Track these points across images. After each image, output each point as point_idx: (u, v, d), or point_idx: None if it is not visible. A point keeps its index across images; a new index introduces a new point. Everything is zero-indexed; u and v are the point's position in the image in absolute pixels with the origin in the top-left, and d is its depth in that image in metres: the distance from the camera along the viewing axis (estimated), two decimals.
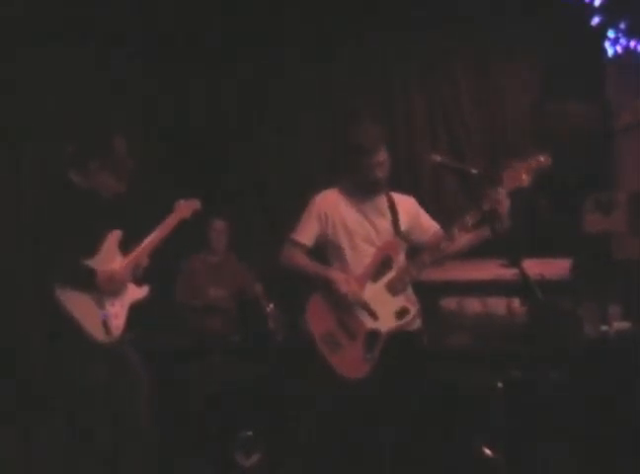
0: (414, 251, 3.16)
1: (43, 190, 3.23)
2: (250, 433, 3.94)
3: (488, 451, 3.47)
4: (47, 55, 4.69)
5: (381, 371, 2.97)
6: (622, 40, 4.60)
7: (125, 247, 3.20)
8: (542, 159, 2.92)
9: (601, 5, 4.57)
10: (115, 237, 3.15)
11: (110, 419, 3.03)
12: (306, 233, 3.15)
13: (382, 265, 3.07)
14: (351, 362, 2.99)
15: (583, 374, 3.64)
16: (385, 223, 3.15)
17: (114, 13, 4.87)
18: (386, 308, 3.02)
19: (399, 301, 3.04)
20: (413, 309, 3.04)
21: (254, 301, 4.61)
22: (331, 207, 3.15)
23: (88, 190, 3.08)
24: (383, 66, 5.49)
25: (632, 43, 4.59)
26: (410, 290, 3.13)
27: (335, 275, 3.04)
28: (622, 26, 4.59)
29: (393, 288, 3.04)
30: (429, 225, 3.22)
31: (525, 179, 2.90)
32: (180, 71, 5.37)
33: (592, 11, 4.60)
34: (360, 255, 3.10)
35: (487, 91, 5.32)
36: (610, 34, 4.61)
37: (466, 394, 3.64)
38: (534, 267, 3.78)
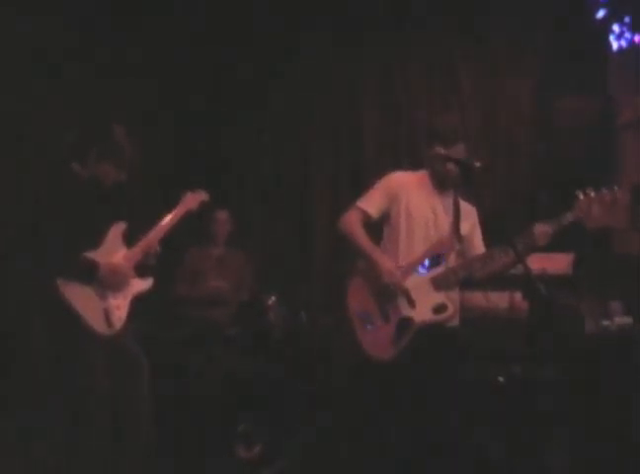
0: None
1: (44, 181, 3.18)
2: (250, 425, 3.94)
3: (488, 445, 3.47)
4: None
5: (411, 361, 3.01)
6: (627, 35, 4.58)
7: (130, 239, 3.17)
8: (620, 195, 2.88)
9: None
10: (118, 229, 3.13)
11: (110, 411, 3.01)
12: (373, 203, 3.17)
13: (433, 259, 3.09)
14: (379, 343, 3.04)
15: (584, 369, 3.63)
16: (446, 222, 3.16)
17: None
18: (426, 300, 3.04)
19: (440, 297, 3.05)
20: (451, 307, 3.04)
21: (254, 295, 4.61)
22: (402, 188, 3.17)
23: (89, 180, 3.05)
24: (384, 64, 5.46)
25: (637, 38, 4.58)
26: (455, 292, 3.15)
27: (383, 263, 3.05)
28: (627, 20, 4.57)
29: (437, 283, 3.06)
30: (478, 245, 3.24)
31: (596, 211, 2.88)
32: (180, 70, 5.35)
33: (596, 5, 4.59)
34: (414, 242, 3.12)
35: (489, 85, 5.29)
36: (615, 28, 4.60)
37: (467, 388, 3.63)
38: (536, 261, 3.77)
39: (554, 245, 4.30)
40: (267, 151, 5.62)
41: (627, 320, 3.85)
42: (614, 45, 4.64)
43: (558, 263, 4.05)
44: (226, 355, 4.26)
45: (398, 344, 3.00)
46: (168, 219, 3.29)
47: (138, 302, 3.18)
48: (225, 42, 5.39)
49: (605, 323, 3.86)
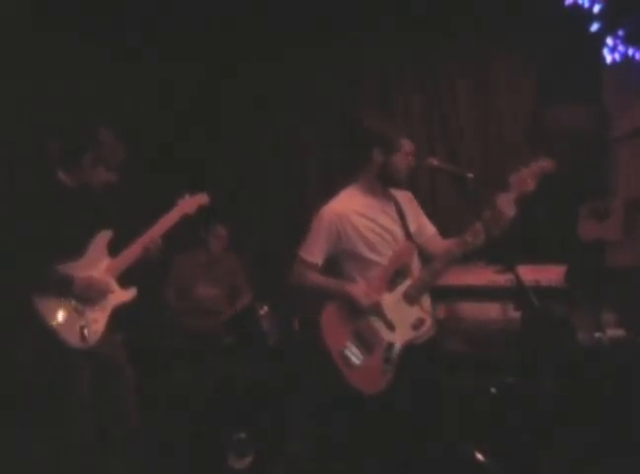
0: (424, 257, 3.08)
1: (24, 192, 3.06)
2: (243, 435, 3.92)
3: (480, 457, 3.46)
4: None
5: (397, 380, 2.89)
6: (620, 48, 4.60)
7: (118, 246, 3.12)
8: (545, 164, 2.91)
9: (600, 12, 4.57)
10: (104, 238, 3.07)
11: (95, 421, 2.98)
12: (315, 251, 2.99)
13: (397, 273, 2.97)
14: (368, 377, 2.89)
15: (576, 381, 3.63)
16: (397, 226, 3.04)
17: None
18: (403, 319, 2.93)
19: (415, 311, 2.95)
20: (428, 319, 2.95)
21: (246, 303, 4.60)
22: (341, 221, 2.99)
23: (76, 188, 3.00)
24: (381, 68, 5.48)
25: (630, 51, 4.60)
26: (426, 298, 3.04)
27: (354, 289, 2.93)
28: (621, 33, 4.59)
29: (409, 297, 2.95)
30: (426, 224, 3.18)
31: (531, 184, 2.89)
32: (179, 70, 5.35)
33: (590, 18, 4.61)
34: (383, 263, 2.98)
35: (484, 95, 5.32)
36: (609, 41, 4.62)
37: (460, 399, 3.63)
38: (529, 273, 3.80)
39: (547, 256, 4.36)
40: (264, 154, 5.61)
41: (620, 332, 3.86)
42: (608, 58, 4.66)
43: (551, 274, 4.06)
44: (219, 365, 4.25)
45: (387, 373, 2.88)
46: (156, 227, 3.17)
47: (128, 312, 3.15)
48: (223, 41, 5.40)
49: (598, 335, 3.86)
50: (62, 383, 2.93)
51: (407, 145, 3.00)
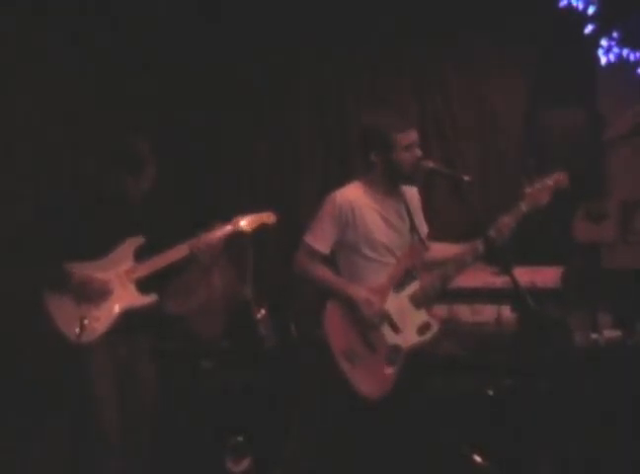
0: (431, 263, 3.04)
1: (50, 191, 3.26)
2: (240, 438, 3.92)
3: (478, 460, 3.47)
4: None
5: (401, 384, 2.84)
6: (615, 49, 4.62)
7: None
8: (560, 177, 2.99)
9: (595, 14, 4.59)
10: (134, 243, 3.08)
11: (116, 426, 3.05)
12: (323, 238, 2.87)
13: (406, 274, 2.92)
14: (371, 379, 2.80)
15: (573, 383, 3.64)
16: (404, 226, 2.98)
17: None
18: (409, 322, 2.87)
19: (422, 315, 2.88)
20: (436, 325, 2.89)
21: (244, 306, 4.58)
22: (352, 209, 2.86)
23: (110, 194, 3.08)
24: (380, 67, 5.48)
25: (625, 52, 4.61)
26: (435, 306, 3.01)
27: (358, 294, 2.81)
28: (615, 35, 4.61)
29: (417, 301, 2.89)
30: (423, 224, 3.13)
31: (546, 198, 2.95)
32: (175, 72, 5.34)
33: (585, 20, 4.62)
34: (382, 265, 2.91)
35: (479, 98, 5.32)
36: (604, 42, 4.63)
37: (457, 402, 3.63)
38: (525, 275, 3.80)
39: (543, 258, 4.36)
40: (262, 155, 5.60)
41: (616, 333, 3.86)
42: (603, 60, 4.68)
43: (547, 276, 4.06)
44: (216, 369, 4.24)
45: (391, 376, 2.80)
46: (200, 240, 3.08)
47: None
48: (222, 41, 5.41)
49: (594, 336, 3.87)
50: (79, 381, 3.02)
51: (404, 138, 2.89)
